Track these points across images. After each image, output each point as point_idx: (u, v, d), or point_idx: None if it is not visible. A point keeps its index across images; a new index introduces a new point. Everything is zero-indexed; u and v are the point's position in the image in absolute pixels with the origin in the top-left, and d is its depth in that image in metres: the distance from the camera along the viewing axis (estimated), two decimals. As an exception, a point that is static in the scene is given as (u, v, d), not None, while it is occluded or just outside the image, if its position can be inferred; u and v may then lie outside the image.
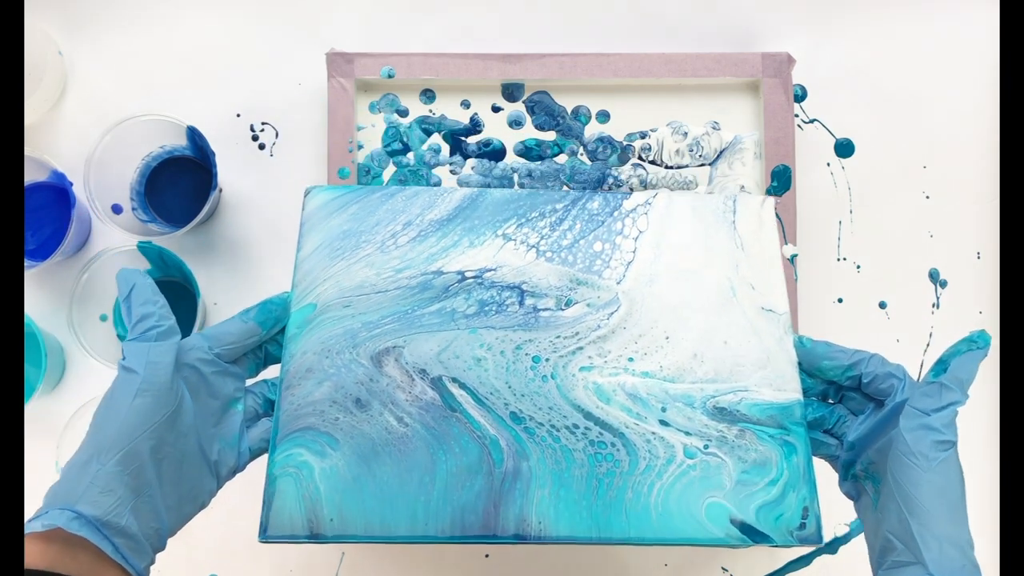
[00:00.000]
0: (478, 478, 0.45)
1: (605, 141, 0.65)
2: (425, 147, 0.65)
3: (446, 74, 0.64)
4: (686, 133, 0.65)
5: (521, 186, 0.64)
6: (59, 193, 0.65)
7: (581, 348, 0.48)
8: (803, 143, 0.65)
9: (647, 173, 0.64)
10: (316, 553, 0.63)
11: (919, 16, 0.67)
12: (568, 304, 0.49)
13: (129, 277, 0.43)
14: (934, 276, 0.65)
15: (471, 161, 0.65)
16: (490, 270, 0.50)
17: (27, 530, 0.38)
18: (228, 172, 0.66)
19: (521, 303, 0.49)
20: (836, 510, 0.60)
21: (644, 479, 0.45)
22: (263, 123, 0.67)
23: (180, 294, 0.65)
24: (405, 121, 0.65)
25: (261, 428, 0.47)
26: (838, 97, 0.66)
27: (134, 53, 0.67)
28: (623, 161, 0.64)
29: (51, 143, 0.66)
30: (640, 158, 0.64)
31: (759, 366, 0.47)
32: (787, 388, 0.47)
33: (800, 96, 0.66)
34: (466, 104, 0.65)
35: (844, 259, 0.65)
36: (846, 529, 0.63)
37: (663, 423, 0.46)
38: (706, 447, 0.46)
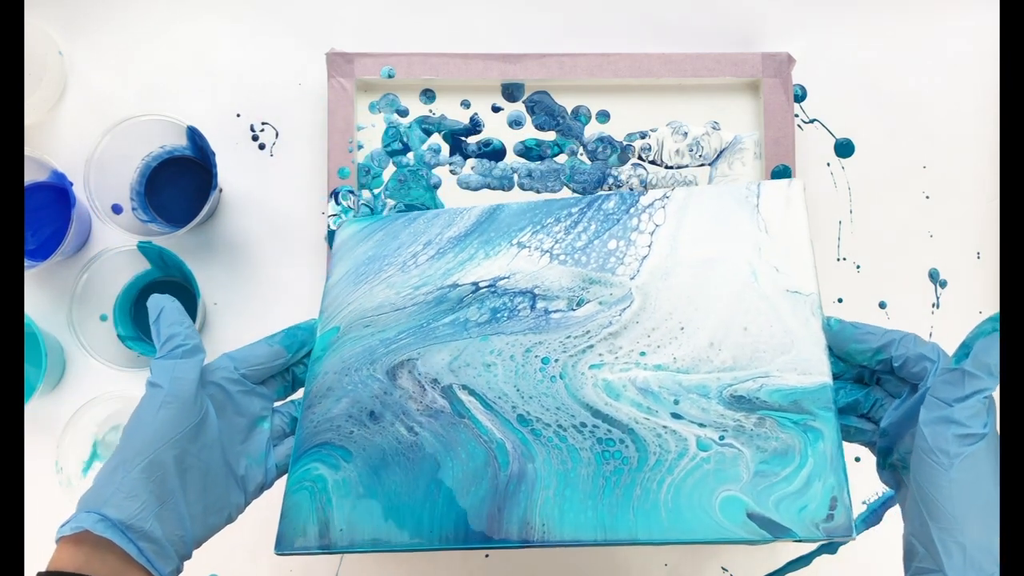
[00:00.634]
0: (483, 483, 0.44)
1: (605, 141, 0.65)
2: (425, 147, 0.65)
3: (446, 74, 0.64)
4: (686, 133, 0.65)
5: (521, 186, 0.64)
6: (59, 193, 0.65)
7: (592, 346, 0.47)
8: (803, 143, 0.65)
9: (647, 173, 0.64)
10: (316, 553, 0.63)
11: (919, 16, 0.67)
12: (580, 304, 0.48)
13: (158, 302, 0.46)
14: (934, 276, 0.65)
15: (471, 161, 0.65)
16: (503, 278, 0.50)
17: (57, 535, 0.40)
18: (228, 172, 0.66)
19: (533, 307, 0.49)
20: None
21: (653, 475, 0.42)
22: (263, 123, 0.67)
23: (180, 294, 0.64)
24: (405, 121, 0.65)
25: (287, 446, 0.49)
26: (838, 97, 0.66)
27: (134, 53, 0.67)
28: (623, 161, 0.64)
29: (51, 143, 0.66)
30: (640, 158, 0.64)
31: (782, 351, 0.44)
32: (813, 371, 0.43)
33: (800, 96, 0.66)
34: (466, 104, 0.65)
35: (844, 259, 0.65)
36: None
37: (675, 416, 0.44)
38: (721, 438, 0.43)
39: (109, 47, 0.67)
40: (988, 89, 0.66)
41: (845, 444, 0.43)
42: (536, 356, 0.47)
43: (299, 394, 0.51)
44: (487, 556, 0.63)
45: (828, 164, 0.66)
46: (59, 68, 0.66)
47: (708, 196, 0.50)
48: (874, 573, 0.60)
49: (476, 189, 0.64)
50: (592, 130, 0.65)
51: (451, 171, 0.65)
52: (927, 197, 0.66)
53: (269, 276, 0.66)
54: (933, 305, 0.65)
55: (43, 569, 0.40)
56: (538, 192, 0.64)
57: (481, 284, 0.51)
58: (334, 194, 0.63)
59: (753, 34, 0.67)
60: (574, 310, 0.48)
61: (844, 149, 0.66)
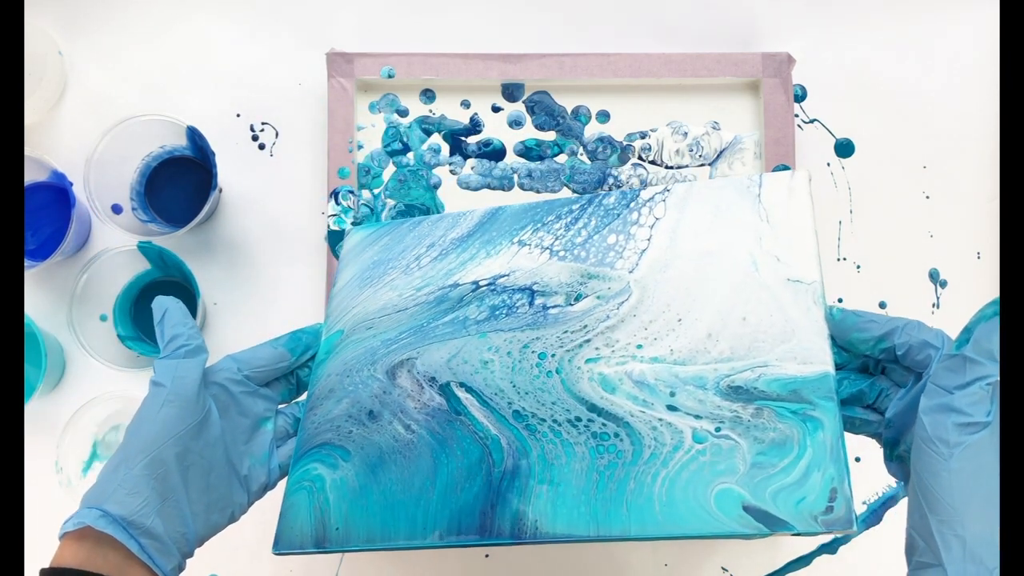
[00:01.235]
0: (477, 479, 0.44)
1: (605, 141, 0.65)
2: (425, 147, 0.65)
3: (446, 74, 0.64)
4: (686, 133, 0.65)
5: (521, 186, 0.64)
6: (59, 193, 0.65)
7: (588, 340, 0.46)
8: (803, 143, 0.65)
9: (647, 173, 0.64)
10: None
11: (919, 16, 0.67)
12: (578, 299, 0.48)
13: (163, 303, 0.46)
14: (934, 276, 0.65)
15: (471, 161, 0.65)
16: (503, 276, 0.50)
17: (61, 531, 0.40)
18: (228, 172, 0.66)
19: (531, 303, 0.49)
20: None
21: (648, 469, 0.42)
22: (263, 123, 0.67)
23: (180, 294, 0.64)
24: (405, 121, 0.65)
25: (291, 447, 0.49)
26: (838, 97, 0.66)
27: (134, 53, 0.67)
28: (623, 161, 0.64)
29: (51, 143, 0.66)
30: (640, 158, 0.64)
31: (781, 340, 0.43)
32: (814, 360, 0.42)
33: (800, 96, 0.66)
34: (466, 104, 0.65)
35: (844, 259, 0.65)
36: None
37: (671, 408, 0.43)
38: (718, 430, 0.42)
39: (109, 47, 0.67)
40: (988, 89, 0.67)
41: (850, 438, 0.42)
42: (533, 352, 0.47)
43: (303, 397, 0.51)
44: (487, 556, 0.63)
45: (828, 164, 0.66)
46: (59, 68, 0.66)
47: (709, 188, 0.50)
48: (874, 573, 0.60)
49: (476, 189, 0.64)
50: (592, 130, 0.65)
51: (451, 171, 0.65)
52: (927, 197, 0.66)
53: (269, 276, 0.66)
54: (933, 305, 0.65)
55: (45, 567, 0.40)
56: (538, 192, 0.64)
57: (481, 283, 0.51)
58: (334, 194, 0.63)
59: (753, 34, 0.67)
60: (572, 305, 0.48)
61: (844, 149, 0.66)
